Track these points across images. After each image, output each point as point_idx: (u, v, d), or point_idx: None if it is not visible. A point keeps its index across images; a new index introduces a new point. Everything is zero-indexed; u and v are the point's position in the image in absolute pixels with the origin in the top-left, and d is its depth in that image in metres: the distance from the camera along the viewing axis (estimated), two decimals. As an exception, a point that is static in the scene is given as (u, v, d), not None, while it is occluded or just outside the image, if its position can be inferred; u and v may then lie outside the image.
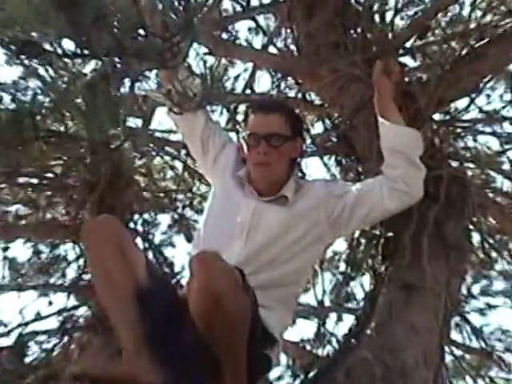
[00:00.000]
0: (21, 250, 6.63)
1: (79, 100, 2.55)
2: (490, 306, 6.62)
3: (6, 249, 6.30)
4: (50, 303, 6.45)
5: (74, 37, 2.52)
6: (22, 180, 5.44)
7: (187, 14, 2.41)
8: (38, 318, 6.14)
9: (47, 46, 2.63)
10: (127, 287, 3.51)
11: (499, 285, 6.65)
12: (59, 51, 2.61)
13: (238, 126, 5.37)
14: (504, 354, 6.56)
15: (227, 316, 3.22)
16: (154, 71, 3.90)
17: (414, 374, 3.77)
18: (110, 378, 3.46)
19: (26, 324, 5.79)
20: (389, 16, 4.88)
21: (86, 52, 2.48)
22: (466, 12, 5.04)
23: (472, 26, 4.87)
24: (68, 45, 2.62)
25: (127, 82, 2.77)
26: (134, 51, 2.37)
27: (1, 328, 5.17)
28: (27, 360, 4.28)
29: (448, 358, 5.43)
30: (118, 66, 2.53)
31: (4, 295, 6.05)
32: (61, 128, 2.62)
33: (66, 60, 2.71)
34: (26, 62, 2.68)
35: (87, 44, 2.46)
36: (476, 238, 4.85)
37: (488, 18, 4.84)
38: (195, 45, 4.19)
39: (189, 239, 6.35)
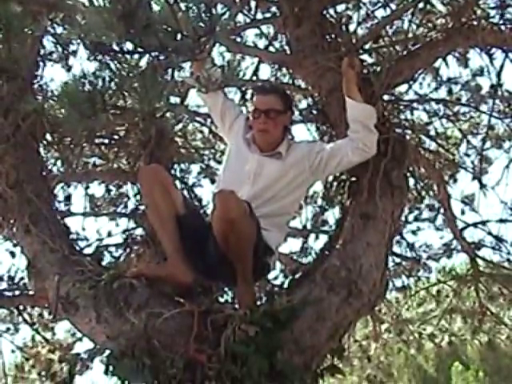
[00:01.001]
0: (97, 189, 6.63)
1: (135, 83, 2.51)
2: (419, 229, 6.60)
3: (87, 188, 6.28)
4: (117, 225, 6.47)
5: (131, 39, 2.50)
6: (97, 140, 5.42)
7: (211, 22, 2.36)
8: (109, 235, 6.17)
9: (114, 46, 2.61)
10: (169, 214, 3.57)
11: (426, 214, 6.64)
12: (121, 49, 2.59)
13: (246, 103, 5.34)
14: (427, 260, 6.57)
15: (239, 235, 3.29)
16: (188, 63, 3.85)
17: (367, 275, 3.75)
18: (157, 276, 3.48)
19: (101, 239, 5.81)
20: (353, 27, 4.93)
21: (139, 50, 2.46)
22: (405, 26, 5.06)
23: (410, 35, 4.86)
24: (127, 45, 2.61)
25: (169, 70, 2.70)
26: (172, 49, 2.34)
27: (84, 242, 5.14)
28: (103, 263, 4.25)
29: (390, 264, 5.42)
30: (162, 59, 2.49)
31: (86, 220, 6.03)
32: (121, 103, 2.57)
33: (127, 56, 2.67)
34: (100, 57, 2.65)
35: (140, 44, 2.44)
36: (411, 181, 4.84)
37: (420, 30, 4.87)
38: (217, 44, 4.16)
39: (212, 182, 6.34)
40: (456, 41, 4.47)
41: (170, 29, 2.41)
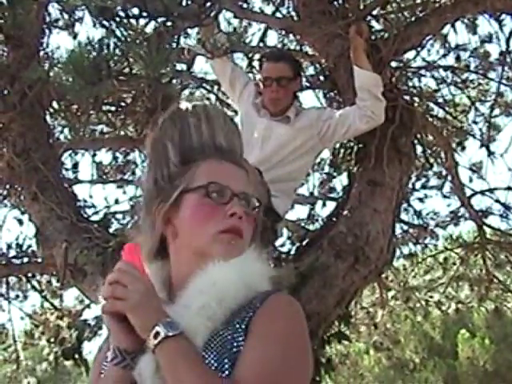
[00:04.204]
0: (104, 156, 6.63)
1: (140, 49, 2.48)
2: (426, 196, 6.58)
3: (94, 155, 6.29)
4: (124, 193, 6.48)
5: (137, 4, 2.48)
6: (104, 108, 5.40)
7: (217, -13, 2.34)
8: (117, 202, 6.18)
9: (119, 12, 2.59)
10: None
11: (434, 181, 6.62)
12: (126, 15, 2.57)
13: (254, 69, 5.30)
14: (434, 228, 6.57)
15: None
16: (194, 30, 3.83)
17: (374, 242, 3.76)
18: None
19: (109, 207, 5.82)
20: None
21: (144, 14, 2.44)
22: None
23: (418, 1, 4.81)
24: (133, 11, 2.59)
25: (175, 37, 2.69)
26: (178, 14, 2.32)
27: (92, 209, 5.15)
28: (110, 231, 4.27)
29: (398, 231, 5.43)
30: (168, 25, 2.47)
31: (93, 187, 6.05)
32: (127, 69, 2.55)
33: (132, 21, 2.65)
34: (105, 23, 2.63)
35: (145, 9, 2.42)
36: (419, 148, 4.83)
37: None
38: (223, 10, 4.11)
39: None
40: (465, 7, 4.41)
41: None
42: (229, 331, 1.42)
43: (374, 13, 4.67)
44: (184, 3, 2.45)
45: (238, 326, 1.43)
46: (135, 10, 2.55)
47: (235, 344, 1.41)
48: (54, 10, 4.86)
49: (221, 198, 1.57)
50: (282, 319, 1.44)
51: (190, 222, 1.56)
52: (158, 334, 1.37)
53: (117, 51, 2.55)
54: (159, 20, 2.47)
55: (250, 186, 1.64)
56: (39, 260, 4.67)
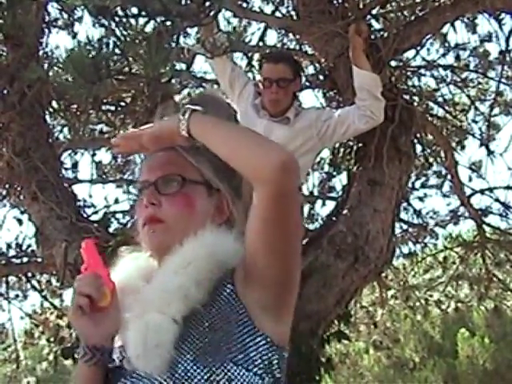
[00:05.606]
0: (104, 156, 6.63)
1: (140, 49, 2.48)
2: (426, 195, 6.59)
3: (94, 155, 6.28)
4: (124, 192, 6.48)
5: (136, 3, 2.48)
6: (103, 107, 5.39)
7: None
8: (116, 202, 6.18)
9: (118, 11, 2.58)
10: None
11: (433, 180, 6.62)
12: (125, 14, 2.57)
13: (253, 69, 5.30)
14: (434, 227, 6.57)
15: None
16: (194, 29, 3.83)
17: (374, 241, 3.77)
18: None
19: (109, 206, 5.81)
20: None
21: (143, 14, 2.43)
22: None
23: (417, 0, 4.82)
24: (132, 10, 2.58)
25: (174, 36, 2.68)
26: (177, 13, 2.32)
27: (91, 208, 5.15)
28: (110, 230, 4.27)
29: (397, 231, 5.43)
30: (167, 24, 2.47)
31: (93, 187, 6.04)
32: (126, 68, 2.56)
33: (131, 20, 2.65)
34: (104, 23, 2.62)
35: (144, 8, 2.42)
36: (419, 148, 4.83)
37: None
38: (223, 10, 4.11)
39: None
40: (464, 6, 4.42)
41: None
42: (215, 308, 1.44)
43: (374, 12, 4.67)
44: (183, 2, 2.44)
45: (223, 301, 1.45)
46: (134, 10, 2.54)
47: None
48: (53, 9, 4.86)
49: (144, 193, 1.58)
50: None
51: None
52: (184, 112, 1.47)
53: (116, 50, 2.55)
54: (158, 19, 2.46)
55: (177, 164, 1.59)
56: (39, 260, 4.67)
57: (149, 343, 1.38)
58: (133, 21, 2.65)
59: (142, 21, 2.68)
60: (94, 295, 1.43)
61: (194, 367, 1.37)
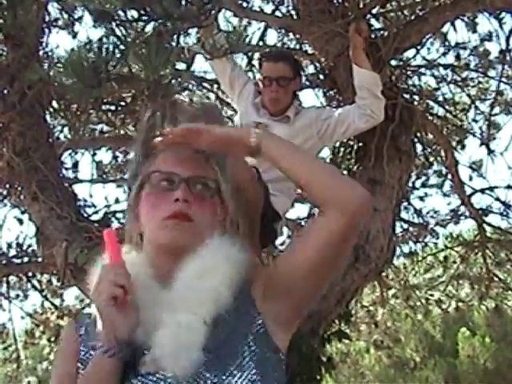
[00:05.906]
0: (104, 155, 6.64)
1: (140, 50, 2.49)
2: (426, 195, 6.59)
3: (94, 154, 6.30)
4: (125, 192, 6.48)
5: (136, 7, 2.49)
6: (104, 107, 5.40)
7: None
8: (117, 201, 6.19)
9: (118, 14, 2.59)
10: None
11: (434, 180, 6.63)
12: (125, 17, 2.58)
13: (253, 68, 5.31)
14: (435, 226, 6.58)
15: (247, 198, 3.20)
16: (194, 29, 3.83)
17: (374, 241, 3.78)
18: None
19: (109, 206, 5.82)
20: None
21: (144, 18, 2.45)
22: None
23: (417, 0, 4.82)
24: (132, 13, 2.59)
25: (174, 37, 2.69)
26: (177, 16, 2.33)
27: (92, 208, 5.16)
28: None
29: (398, 230, 5.44)
30: (167, 26, 2.48)
31: (93, 187, 6.06)
32: (126, 71, 2.57)
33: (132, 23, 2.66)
34: (105, 24, 2.63)
35: (144, 11, 2.43)
36: (419, 147, 4.84)
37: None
38: (223, 10, 4.12)
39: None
40: (464, 5, 4.42)
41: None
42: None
43: (374, 11, 4.68)
44: (183, 4, 2.45)
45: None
46: (134, 13, 2.55)
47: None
48: (53, 9, 4.87)
49: (169, 185, 1.55)
50: None
51: (144, 216, 1.58)
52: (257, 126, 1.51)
53: (116, 52, 2.56)
54: (158, 21, 2.47)
55: (208, 169, 1.61)
56: (39, 259, 4.68)
57: (180, 343, 1.38)
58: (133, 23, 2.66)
59: (141, 23, 2.69)
60: (127, 287, 1.41)
61: (205, 372, 1.38)
